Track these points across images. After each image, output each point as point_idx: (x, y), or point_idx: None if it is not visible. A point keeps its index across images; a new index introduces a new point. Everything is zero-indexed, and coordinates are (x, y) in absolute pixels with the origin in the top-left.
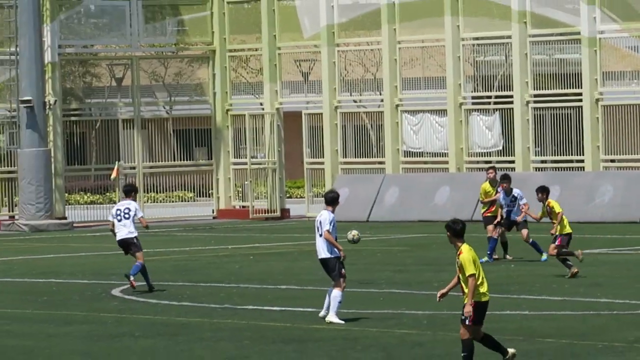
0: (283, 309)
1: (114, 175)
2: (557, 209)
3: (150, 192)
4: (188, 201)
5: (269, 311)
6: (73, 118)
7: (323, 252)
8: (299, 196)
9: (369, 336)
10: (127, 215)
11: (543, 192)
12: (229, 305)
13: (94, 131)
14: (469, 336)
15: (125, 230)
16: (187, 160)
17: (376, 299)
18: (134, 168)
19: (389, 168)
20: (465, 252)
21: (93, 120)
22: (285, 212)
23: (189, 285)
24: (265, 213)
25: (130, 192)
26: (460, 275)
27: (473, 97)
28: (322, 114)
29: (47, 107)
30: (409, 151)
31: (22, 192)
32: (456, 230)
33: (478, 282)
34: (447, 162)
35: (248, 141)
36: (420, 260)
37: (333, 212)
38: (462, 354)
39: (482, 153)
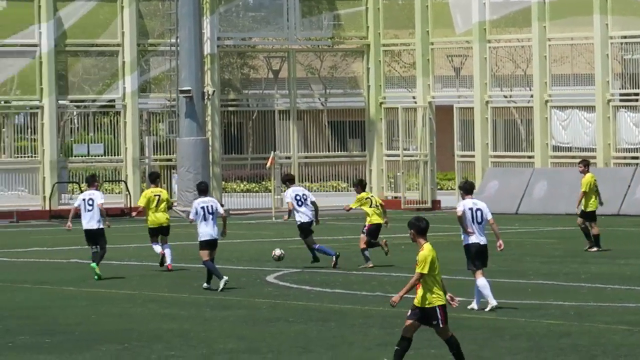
0: None
1: (269, 164)
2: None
3: (305, 181)
4: (341, 191)
5: None
6: (231, 108)
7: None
8: (449, 188)
9: (516, 326)
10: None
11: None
12: (380, 293)
13: (251, 121)
14: (408, 335)
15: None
16: (341, 151)
17: (524, 290)
18: (289, 158)
19: (538, 162)
20: (426, 250)
21: (250, 110)
22: (436, 203)
23: (341, 273)
24: (416, 204)
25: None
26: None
27: (621, 94)
28: (473, 108)
29: (206, 97)
30: (558, 146)
31: (180, 179)
32: (420, 227)
33: (427, 287)
34: (594, 158)
35: (400, 133)
36: (568, 252)
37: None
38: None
39: (629, 149)
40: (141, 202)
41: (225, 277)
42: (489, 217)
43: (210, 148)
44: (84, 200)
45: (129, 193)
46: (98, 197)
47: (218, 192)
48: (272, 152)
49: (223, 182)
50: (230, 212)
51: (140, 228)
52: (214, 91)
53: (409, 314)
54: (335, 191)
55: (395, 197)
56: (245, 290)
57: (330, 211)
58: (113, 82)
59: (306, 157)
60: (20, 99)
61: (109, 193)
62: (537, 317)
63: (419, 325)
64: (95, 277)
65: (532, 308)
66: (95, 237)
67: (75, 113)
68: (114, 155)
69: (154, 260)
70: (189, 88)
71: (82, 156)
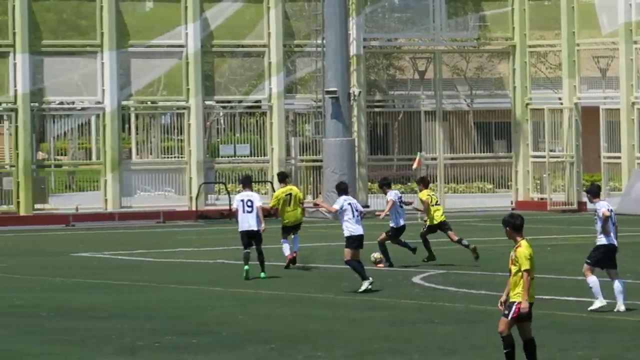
0: (578, 299)
1: (415, 165)
2: None
3: (451, 182)
4: (487, 192)
5: (565, 301)
6: (376, 109)
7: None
8: None
9: None
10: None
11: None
12: None
13: (397, 122)
14: (508, 332)
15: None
16: (486, 152)
17: None
18: (434, 159)
19: None
20: (524, 247)
21: (396, 111)
22: (582, 205)
23: (487, 274)
24: (562, 205)
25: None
26: (513, 269)
27: None
28: (619, 109)
29: (352, 98)
30: None
31: (326, 180)
32: (515, 224)
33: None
34: None
35: (546, 135)
36: None
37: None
38: (504, 351)
39: None
40: (273, 203)
41: (370, 279)
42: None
43: (356, 149)
44: (242, 201)
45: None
46: (257, 198)
47: (364, 193)
48: (418, 153)
49: (369, 183)
50: (376, 213)
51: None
52: (359, 92)
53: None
54: (481, 192)
55: (541, 199)
56: (391, 291)
57: (476, 212)
58: (259, 82)
59: (452, 158)
60: (167, 99)
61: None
62: None
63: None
64: (246, 274)
65: None
66: (252, 239)
67: (221, 113)
68: (260, 156)
69: (300, 261)
70: (335, 89)
71: (228, 157)
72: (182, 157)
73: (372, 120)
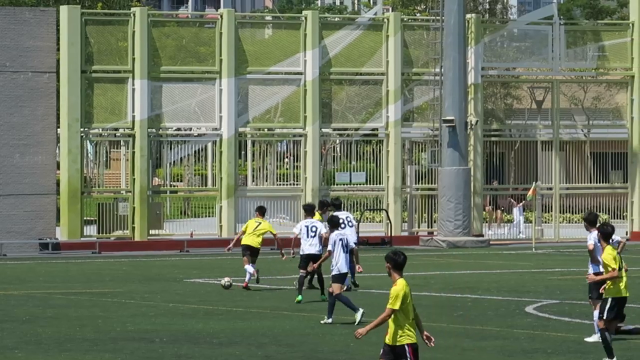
0: None
1: (530, 194)
2: None
3: (566, 212)
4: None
5: None
6: (493, 138)
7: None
8: None
9: None
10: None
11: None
12: None
13: (513, 152)
14: None
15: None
16: (602, 182)
17: None
18: (550, 189)
19: None
20: (399, 285)
21: (512, 141)
22: None
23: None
24: None
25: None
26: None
27: None
28: None
29: (469, 127)
30: None
31: (441, 209)
32: (397, 262)
33: (397, 323)
34: None
35: None
36: None
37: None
38: None
39: None
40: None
41: (362, 310)
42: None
43: (472, 178)
44: (306, 227)
45: (390, 222)
46: (321, 226)
47: (479, 222)
48: (534, 183)
49: (484, 212)
50: (490, 242)
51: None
52: (477, 121)
53: (381, 352)
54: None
55: None
56: (504, 320)
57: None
58: (376, 110)
59: (567, 188)
60: (284, 126)
61: (370, 222)
62: None
63: None
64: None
65: None
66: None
67: (338, 141)
68: (376, 184)
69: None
70: (452, 117)
71: (344, 184)
72: (297, 185)
73: (488, 149)
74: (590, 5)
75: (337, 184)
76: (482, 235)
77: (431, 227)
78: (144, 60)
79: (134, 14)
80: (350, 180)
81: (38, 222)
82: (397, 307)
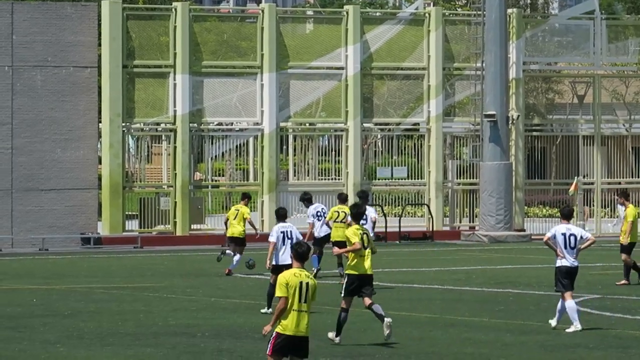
0: None
1: (572, 189)
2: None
3: (607, 207)
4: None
5: None
6: (535, 133)
7: (573, 262)
8: None
9: None
10: None
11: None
12: None
13: (555, 146)
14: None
15: None
16: None
17: None
18: (592, 184)
19: None
20: (288, 274)
21: (554, 135)
22: None
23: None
24: None
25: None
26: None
27: None
28: None
29: (510, 121)
30: None
31: (482, 204)
32: (297, 253)
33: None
34: None
35: None
36: None
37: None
38: None
39: None
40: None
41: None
42: (587, 236)
43: (513, 172)
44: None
45: (432, 217)
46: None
47: (520, 217)
48: (576, 178)
49: (525, 207)
50: (532, 237)
51: (443, 252)
52: (518, 116)
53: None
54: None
55: None
56: (545, 315)
57: None
58: (418, 105)
59: (609, 183)
60: (326, 121)
61: (411, 216)
62: None
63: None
64: None
65: None
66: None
67: (379, 136)
68: (417, 179)
69: (455, 284)
70: (494, 112)
71: (385, 179)
72: (339, 179)
73: (529, 144)
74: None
75: (378, 179)
76: (524, 230)
77: (473, 222)
78: (185, 55)
79: (175, 9)
80: (392, 175)
81: (80, 216)
82: (278, 294)
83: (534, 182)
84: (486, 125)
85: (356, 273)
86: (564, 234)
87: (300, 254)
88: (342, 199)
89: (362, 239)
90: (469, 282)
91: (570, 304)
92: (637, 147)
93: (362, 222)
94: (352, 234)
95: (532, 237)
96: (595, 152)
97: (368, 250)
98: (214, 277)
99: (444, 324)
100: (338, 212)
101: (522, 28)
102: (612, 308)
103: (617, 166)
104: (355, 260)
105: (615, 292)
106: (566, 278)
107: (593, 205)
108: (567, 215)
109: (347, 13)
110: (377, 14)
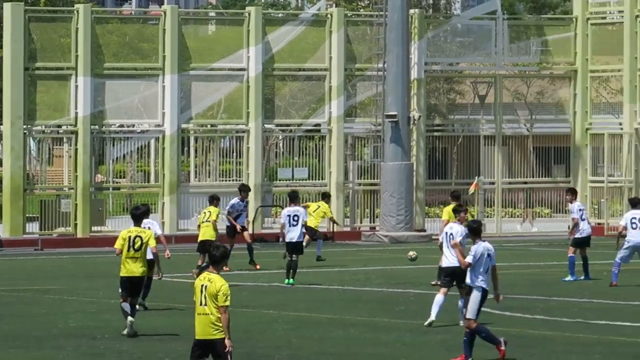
0: (635, 324)
1: (472, 189)
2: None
3: (508, 207)
4: (544, 217)
5: (621, 326)
6: (436, 133)
7: (453, 261)
8: None
9: None
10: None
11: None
12: (580, 320)
13: (456, 147)
14: None
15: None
16: (545, 177)
17: None
18: (493, 183)
19: None
20: (218, 281)
21: (455, 135)
22: None
23: (542, 299)
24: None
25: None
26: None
27: None
28: None
29: (412, 122)
30: None
31: (383, 204)
32: (215, 257)
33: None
34: None
35: (606, 160)
36: None
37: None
38: None
39: None
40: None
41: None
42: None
43: (414, 173)
44: (289, 215)
45: (333, 217)
46: (303, 213)
47: (421, 217)
48: (477, 178)
49: (426, 207)
50: (432, 237)
51: (343, 252)
52: (419, 116)
53: None
54: (539, 217)
55: (599, 224)
56: (446, 315)
57: (533, 237)
58: (319, 106)
59: (510, 183)
60: (227, 122)
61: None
62: None
63: None
64: (290, 281)
65: None
66: (294, 249)
67: (280, 137)
68: (318, 180)
69: (355, 285)
70: (395, 113)
71: (286, 180)
72: (240, 180)
73: (430, 144)
74: (533, 0)
75: (279, 180)
76: (425, 230)
77: (373, 223)
78: (87, 57)
79: (77, 11)
80: (293, 176)
81: None
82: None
83: (434, 182)
84: (387, 125)
85: (126, 275)
86: (446, 233)
87: (217, 258)
88: (211, 199)
89: (131, 241)
90: (369, 283)
91: (437, 298)
92: (538, 147)
93: (293, 222)
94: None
95: (433, 237)
96: (496, 152)
97: (134, 253)
98: (114, 278)
99: (344, 324)
100: (206, 212)
101: (424, 29)
102: (512, 307)
103: (518, 166)
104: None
105: (515, 291)
106: (447, 276)
107: (493, 205)
108: (457, 212)
109: (249, 14)
110: (279, 15)
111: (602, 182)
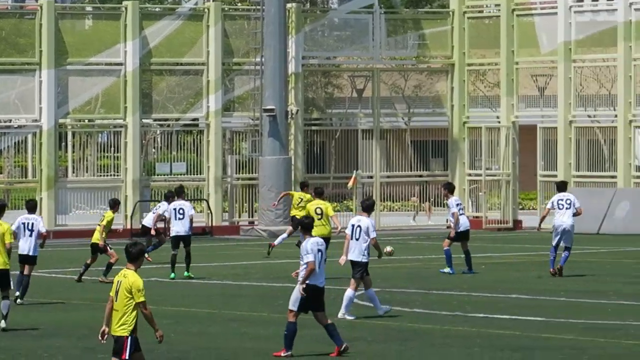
0: (512, 317)
1: (350, 183)
2: None
3: (387, 200)
4: (423, 210)
5: (499, 319)
6: (314, 127)
7: (360, 255)
8: (531, 208)
9: (596, 346)
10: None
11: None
12: (459, 313)
13: (334, 140)
14: None
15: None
16: (423, 170)
17: (604, 310)
18: (371, 177)
19: (621, 182)
20: (133, 277)
21: (333, 130)
22: (518, 223)
23: (422, 293)
24: (498, 223)
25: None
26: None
27: None
28: (556, 128)
29: (290, 116)
30: None
31: (262, 198)
32: (131, 254)
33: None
34: None
35: (483, 153)
36: None
37: (369, 217)
38: None
39: None
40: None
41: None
42: (372, 235)
43: (292, 167)
44: (174, 210)
45: (211, 212)
46: (189, 207)
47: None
48: (355, 172)
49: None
50: None
51: (222, 247)
52: (297, 110)
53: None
54: (421, 211)
55: (477, 217)
56: (325, 309)
57: (412, 230)
58: (197, 100)
59: (388, 177)
60: (104, 117)
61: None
62: (617, 337)
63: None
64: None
65: (612, 328)
66: (182, 242)
67: (158, 132)
68: (197, 174)
69: (234, 279)
70: (273, 107)
71: (164, 175)
72: (118, 176)
73: (309, 139)
74: None
75: (157, 175)
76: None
77: (252, 217)
78: None
79: None
80: (171, 171)
81: None
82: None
83: (313, 177)
84: (265, 120)
85: None
86: (353, 225)
87: (134, 254)
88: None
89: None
90: (247, 277)
91: (347, 292)
92: (416, 141)
93: (179, 216)
94: None
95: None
96: (374, 146)
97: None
98: None
99: (223, 319)
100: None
101: (301, 23)
102: (391, 301)
103: (396, 160)
104: None
105: (394, 285)
106: (353, 268)
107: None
108: (367, 209)
109: (126, 9)
110: (157, 9)
111: (480, 175)
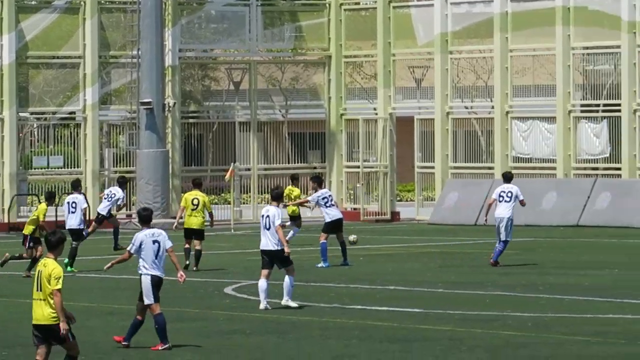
0: (390, 309)
1: (228, 176)
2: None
3: (265, 193)
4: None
5: (377, 311)
6: (191, 120)
7: (274, 244)
8: (409, 199)
9: (474, 337)
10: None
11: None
12: (337, 305)
13: (211, 133)
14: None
15: None
16: (301, 162)
17: (482, 301)
18: (249, 170)
19: (498, 173)
20: (52, 266)
21: (211, 122)
22: (395, 215)
23: (300, 285)
24: (376, 215)
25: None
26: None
27: (582, 105)
28: (433, 119)
29: (167, 109)
30: (518, 157)
31: (139, 192)
32: (50, 242)
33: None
34: (554, 168)
35: (361, 145)
36: (526, 263)
37: (278, 207)
38: None
39: (589, 160)
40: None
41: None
42: (277, 222)
43: (170, 160)
44: (67, 203)
45: (88, 205)
46: (82, 201)
47: (177, 204)
48: (232, 164)
49: (182, 194)
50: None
51: (98, 240)
52: (174, 103)
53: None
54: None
55: (355, 209)
56: (202, 302)
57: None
58: (74, 94)
59: (266, 169)
60: None
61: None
62: (495, 328)
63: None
64: (69, 269)
65: (490, 319)
66: (75, 235)
67: (35, 125)
68: (74, 168)
69: (113, 273)
70: (150, 100)
71: (41, 168)
72: None
73: (186, 132)
74: None
75: (34, 168)
76: (182, 217)
77: (130, 210)
78: None
79: None
80: (48, 164)
81: None
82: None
83: (190, 169)
84: (142, 113)
85: None
86: (262, 216)
87: (54, 243)
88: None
89: None
90: (125, 271)
91: (260, 283)
92: (293, 133)
93: (72, 209)
94: None
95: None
96: (251, 138)
97: None
98: None
99: (101, 312)
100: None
101: (177, 15)
102: (270, 293)
103: (273, 152)
104: None
105: (273, 277)
106: (264, 257)
107: (250, 192)
108: (275, 198)
109: (1, 2)
110: (33, 2)
111: (358, 167)
